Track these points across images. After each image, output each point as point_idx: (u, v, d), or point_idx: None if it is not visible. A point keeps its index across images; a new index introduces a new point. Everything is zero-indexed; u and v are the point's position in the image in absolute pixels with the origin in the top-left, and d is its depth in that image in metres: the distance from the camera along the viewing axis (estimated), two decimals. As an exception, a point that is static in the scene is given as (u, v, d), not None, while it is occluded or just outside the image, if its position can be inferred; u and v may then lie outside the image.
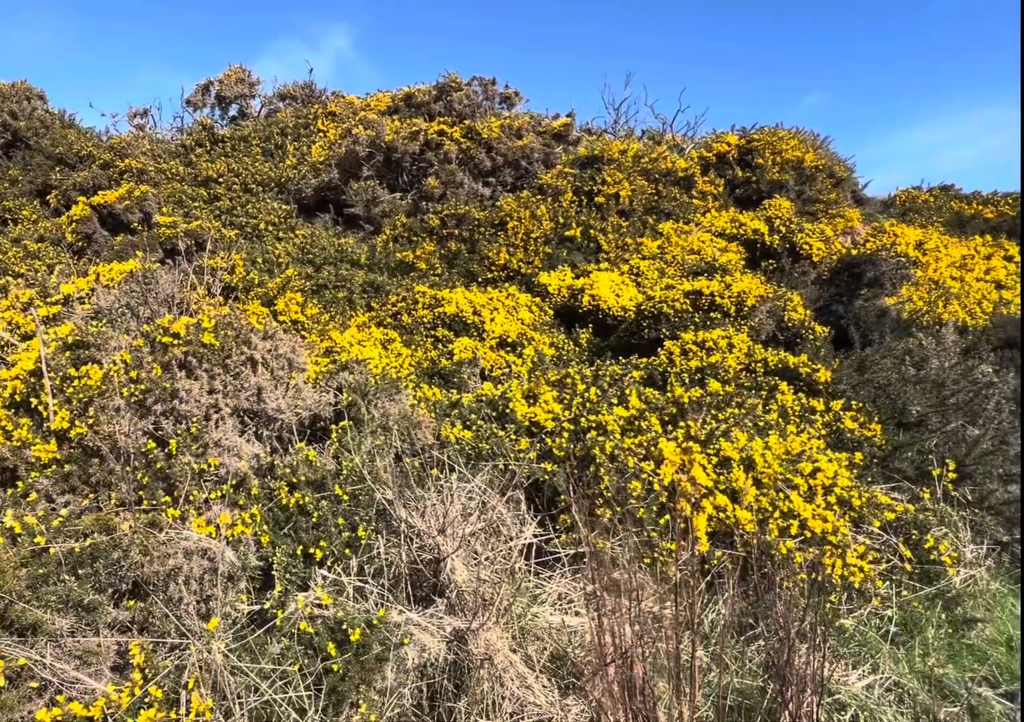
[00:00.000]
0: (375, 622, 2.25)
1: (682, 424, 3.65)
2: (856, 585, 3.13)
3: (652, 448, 3.52)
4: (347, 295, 9.48)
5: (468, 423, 3.83)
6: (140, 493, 2.71)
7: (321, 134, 12.97)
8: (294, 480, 3.11)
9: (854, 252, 8.24)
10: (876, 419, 4.30)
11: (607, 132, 13.50)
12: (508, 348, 7.95)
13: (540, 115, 12.91)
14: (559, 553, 3.45)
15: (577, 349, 8.14)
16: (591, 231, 10.39)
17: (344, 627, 2.19)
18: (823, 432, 4.26)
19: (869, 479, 3.96)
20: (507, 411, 3.89)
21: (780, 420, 4.33)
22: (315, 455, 3.33)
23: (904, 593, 3.21)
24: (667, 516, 3.35)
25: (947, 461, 3.78)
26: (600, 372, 4.27)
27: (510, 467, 3.56)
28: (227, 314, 3.89)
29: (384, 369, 5.19)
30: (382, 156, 11.54)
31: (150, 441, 2.88)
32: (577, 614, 3.10)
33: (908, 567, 3.29)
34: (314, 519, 2.84)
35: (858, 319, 7.69)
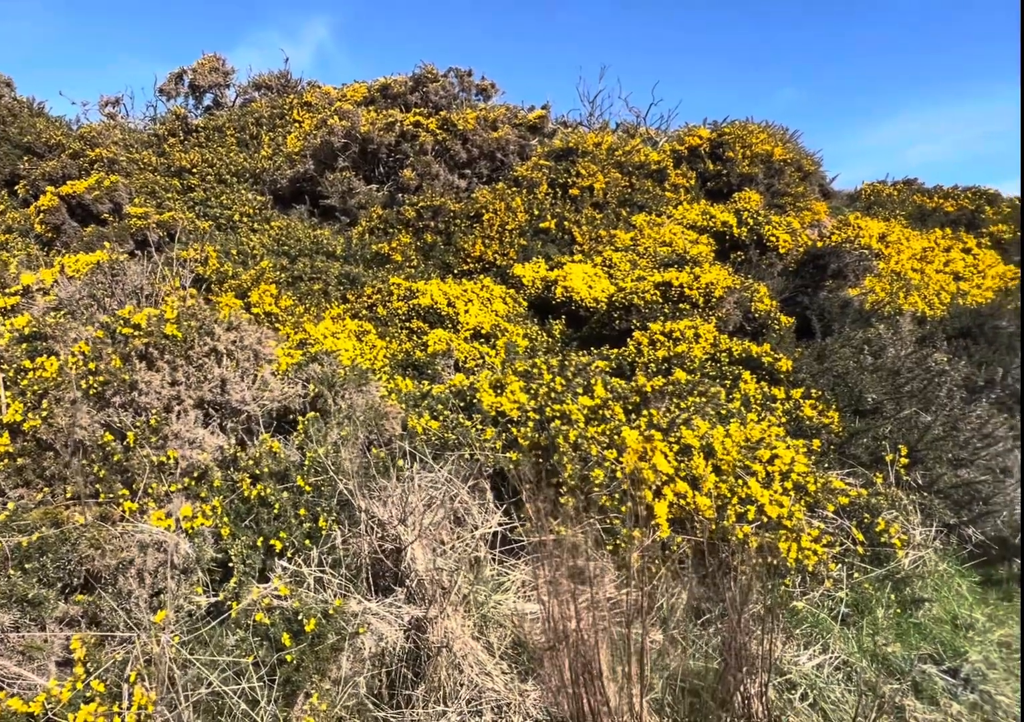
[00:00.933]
0: (331, 612, 2.23)
1: (645, 413, 3.66)
2: (810, 568, 3.17)
3: (615, 436, 3.52)
4: (322, 287, 9.35)
5: (436, 413, 3.80)
6: (96, 487, 2.65)
7: (296, 124, 12.73)
8: (257, 472, 3.06)
9: (819, 244, 8.32)
10: (834, 407, 4.35)
11: (582, 125, 13.44)
12: (482, 339, 7.92)
13: (516, 107, 12.81)
14: (524, 541, 3.44)
15: (550, 340, 8.13)
16: (565, 223, 10.35)
17: (300, 618, 2.16)
18: (783, 420, 4.30)
19: (826, 465, 4.00)
20: (474, 401, 3.87)
21: (742, 408, 4.36)
22: (279, 446, 3.27)
23: (856, 575, 3.26)
24: (629, 503, 3.36)
25: (900, 447, 3.84)
26: (566, 362, 4.26)
27: (476, 457, 3.54)
28: (191, 305, 3.81)
29: (354, 361, 5.13)
30: (358, 147, 11.36)
31: (107, 433, 2.81)
32: (540, 603, 3.10)
33: (860, 550, 3.34)
34: (275, 510, 2.80)
35: (822, 310, 7.77)
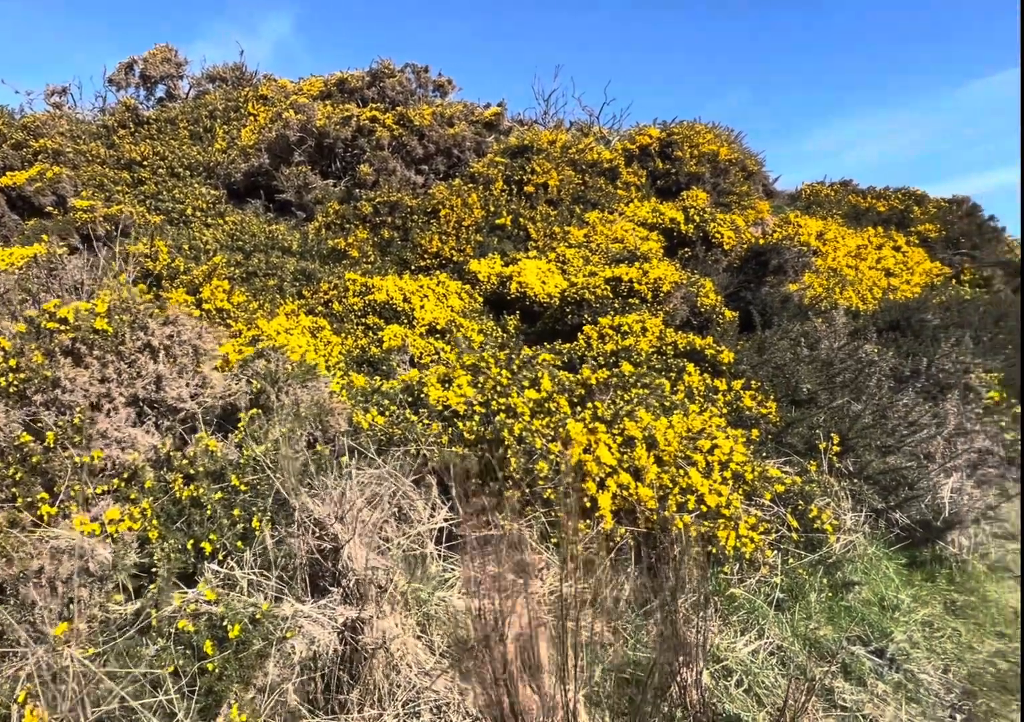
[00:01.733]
0: (258, 616, 2.09)
1: (590, 405, 3.59)
2: (747, 556, 3.16)
3: (560, 429, 3.44)
4: (278, 283, 9.03)
5: (382, 409, 3.66)
6: (13, 490, 2.43)
7: (252, 118, 12.28)
8: (192, 471, 2.88)
9: (761, 241, 8.42)
10: (772, 397, 4.37)
11: (537, 123, 13.32)
12: (438, 335, 7.77)
13: (473, 104, 12.61)
14: (476, 535, 3.34)
15: (505, 335, 8.03)
16: (521, 219, 10.24)
17: (225, 624, 2.01)
18: (724, 410, 4.29)
19: (764, 454, 4.01)
20: (422, 396, 3.74)
21: (686, 400, 4.34)
22: (216, 445, 3.09)
23: (790, 561, 3.26)
24: (574, 496, 3.29)
25: (832, 435, 3.87)
26: (513, 356, 4.17)
27: (422, 452, 3.42)
28: (125, 298, 3.56)
29: (303, 356, 4.93)
30: (314, 141, 11.01)
31: (24, 433, 2.59)
32: (485, 597, 3.01)
33: (795, 536, 3.35)
34: (208, 511, 2.63)
35: (764, 304, 7.87)
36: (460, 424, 3.46)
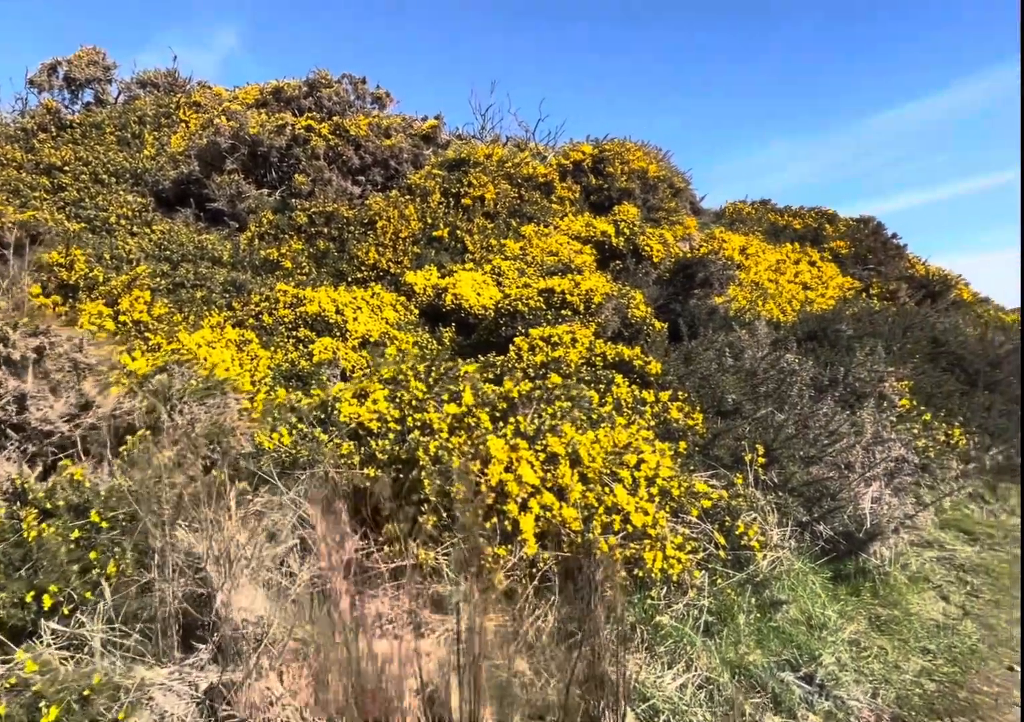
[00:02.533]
0: (87, 693, 1.65)
1: (512, 420, 3.27)
2: (675, 578, 2.89)
3: (481, 446, 3.10)
4: (206, 294, 8.34)
5: (290, 427, 3.22)
6: None
7: (183, 124, 11.50)
8: (49, 506, 2.38)
9: (688, 255, 8.38)
10: (699, 408, 4.17)
11: (475, 138, 13.07)
12: (371, 348, 7.34)
13: (411, 117, 12.24)
14: (389, 566, 2.95)
15: (440, 347, 7.65)
16: (458, 232, 9.92)
17: (42, 706, 1.58)
18: (652, 423, 4.06)
19: (692, 467, 3.79)
20: (335, 413, 3.33)
21: (614, 412, 4.09)
22: (84, 474, 2.59)
23: (718, 581, 3.02)
24: (495, 519, 2.95)
25: (757, 446, 3.69)
26: (433, 368, 3.81)
27: (331, 475, 3.00)
28: (-14, 309, 3.02)
29: (211, 371, 4.41)
30: (247, 149, 10.36)
31: None
32: (396, 638, 2.62)
33: (722, 554, 3.11)
34: (62, 555, 2.15)
35: (692, 316, 7.79)
36: (373, 443, 3.07)
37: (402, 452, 3.01)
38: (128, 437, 3.17)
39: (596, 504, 3.06)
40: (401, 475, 3.02)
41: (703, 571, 3.02)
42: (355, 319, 7.63)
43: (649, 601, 2.83)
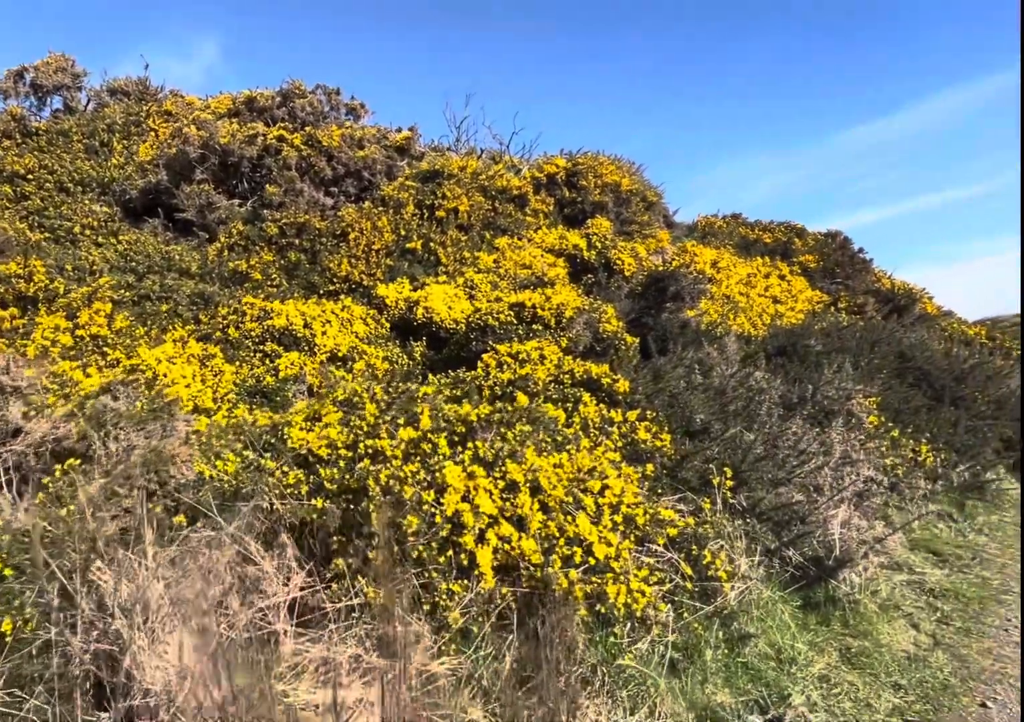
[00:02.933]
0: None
1: (471, 445, 3.08)
2: (638, 613, 2.72)
3: (437, 474, 2.90)
4: (172, 307, 8.00)
5: (235, 454, 2.99)
6: None
7: (153, 133, 11.17)
8: (-50, 551, 2.12)
9: (660, 269, 8.29)
10: (667, 428, 4.02)
11: (451, 150, 12.93)
12: (339, 363, 7.09)
13: (386, 128, 12.05)
14: (336, 606, 2.73)
15: (411, 362, 7.43)
16: (431, 244, 9.72)
17: None
18: (620, 443, 3.90)
19: (659, 490, 3.63)
20: (285, 438, 3.10)
21: (580, 433, 3.92)
22: (-5, 513, 2.34)
23: (685, 614, 2.85)
24: (450, 552, 2.75)
25: (725, 469, 3.55)
26: (391, 388, 3.60)
27: (276, 507, 2.78)
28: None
29: (159, 392, 4.15)
30: (218, 159, 10.08)
31: None
32: (340, 686, 2.40)
33: (689, 585, 2.95)
34: (-45, 609, 1.90)
35: (664, 330, 7.70)
36: (323, 471, 2.85)
37: (352, 481, 2.80)
38: (57, 466, 2.92)
39: (557, 534, 2.87)
40: (352, 506, 2.81)
41: (669, 604, 2.85)
42: (324, 333, 7.39)
43: (612, 639, 2.64)
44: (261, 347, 7.30)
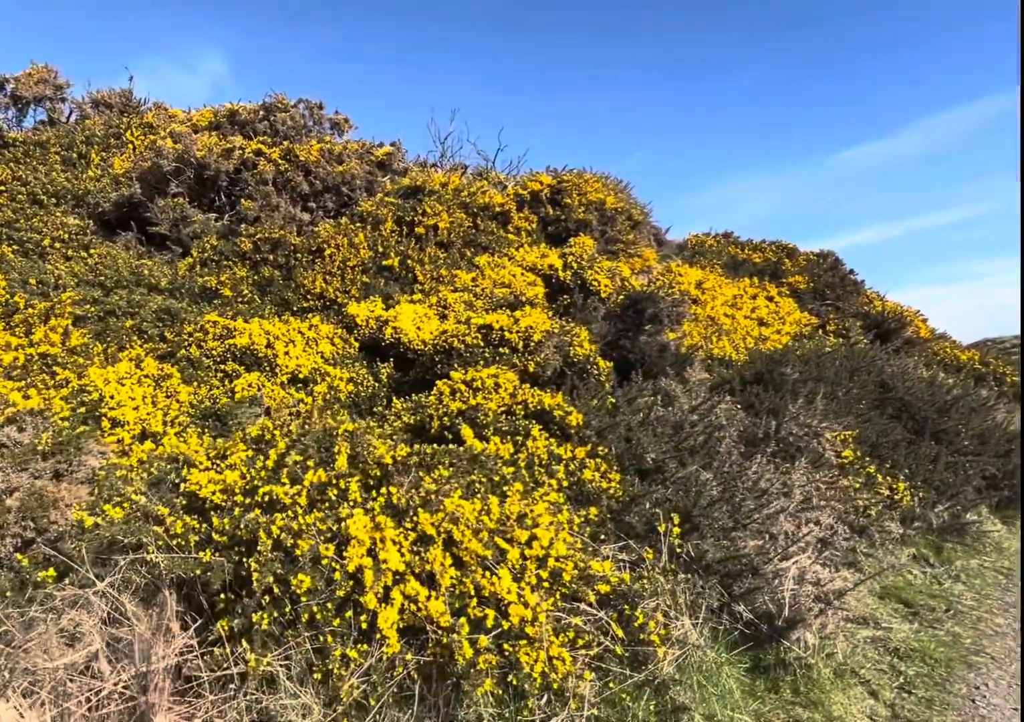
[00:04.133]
0: None
1: (384, 490, 2.85)
2: (555, 685, 2.46)
3: (341, 525, 2.67)
4: (137, 323, 7.82)
5: (122, 498, 2.77)
6: None
7: (131, 146, 11.11)
8: None
9: (639, 289, 8.10)
10: (617, 467, 3.79)
11: (435, 166, 12.84)
12: (300, 384, 6.89)
13: (370, 143, 11.95)
14: (215, 675, 2.48)
15: (377, 385, 7.22)
16: (409, 261, 9.56)
17: None
18: (565, 484, 3.66)
19: (603, 537, 3.39)
20: (179, 480, 2.87)
21: (525, 471, 3.69)
22: None
23: (612, 684, 2.60)
24: (349, 612, 2.51)
25: (673, 515, 3.31)
26: (307, 424, 3.38)
27: (158, 560, 2.55)
28: None
29: (71, 422, 3.94)
30: (193, 173, 9.97)
31: None
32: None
33: (619, 650, 2.69)
34: None
35: (643, 353, 7.48)
36: (215, 520, 2.63)
37: (245, 533, 2.57)
38: (-70, 510, 2.69)
39: (474, 591, 2.63)
40: (246, 560, 2.57)
41: (595, 672, 2.60)
42: (286, 353, 7.20)
43: (524, 714, 2.39)
44: (222, 367, 7.10)
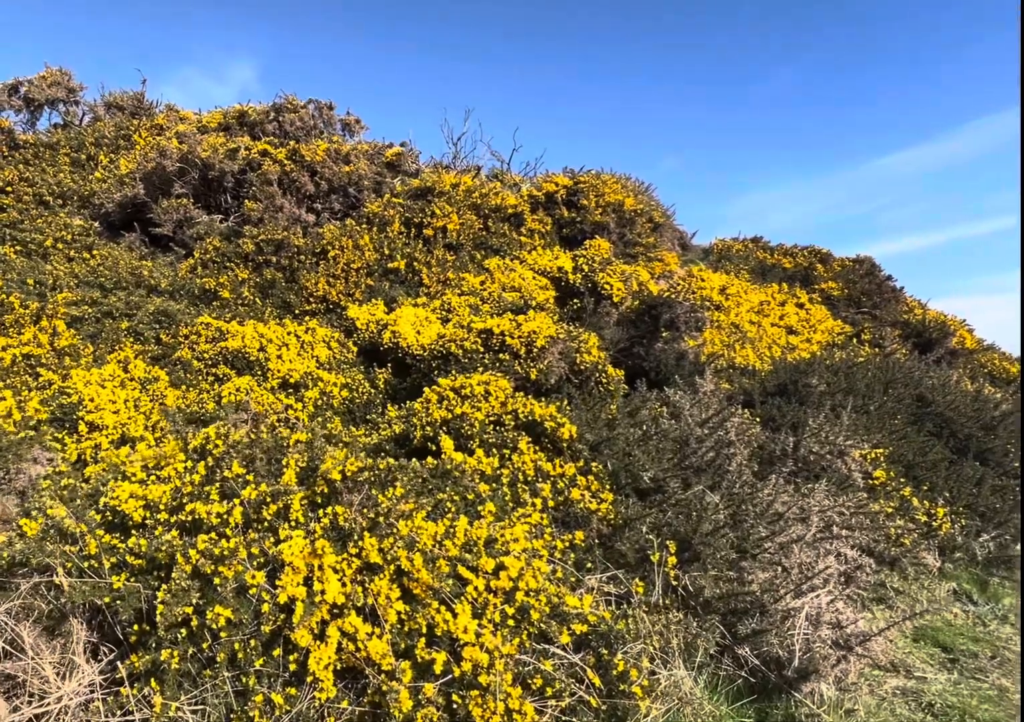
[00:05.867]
0: None
1: (330, 509, 2.57)
2: (512, 745, 2.13)
3: (277, 548, 2.39)
4: (132, 325, 7.76)
5: (40, 512, 2.54)
6: None
7: (138, 146, 11.22)
8: None
9: (655, 293, 7.74)
10: (610, 486, 3.45)
11: (449, 167, 12.69)
12: (291, 389, 6.70)
13: (381, 144, 11.86)
14: (113, 720, 2.21)
15: (373, 391, 6.99)
16: (416, 264, 9.36)
17: None
18: (552, 504, 3.34)
19: (590, 565, 3.05)
20: (104, 492, 2.63)
21: (507, 489, 3.38)
22: None
23: (581, 743, 2.25)
24: (278, 650, 2.22)
25: (668, 543, 2.95)
26: (255, 433, 3.12)
27: (65, 583, 2.30)
28: None
29: (17, 425, 3.77)
30: (198, 173, 9.97)
31: None
32: None
33: (594, 702, 2.35)
34: None
35: (658, 361, 7.13)
36: (132, 540, 2.37)
37: (163, 556, 2.31)
38: None
39: (425, 629, 2.33)
40: (166, 585, 2.31)
41: (563, 729, 2.26)
42: (279, 357, 7.02)
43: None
44: (213, 370, 6.97)
